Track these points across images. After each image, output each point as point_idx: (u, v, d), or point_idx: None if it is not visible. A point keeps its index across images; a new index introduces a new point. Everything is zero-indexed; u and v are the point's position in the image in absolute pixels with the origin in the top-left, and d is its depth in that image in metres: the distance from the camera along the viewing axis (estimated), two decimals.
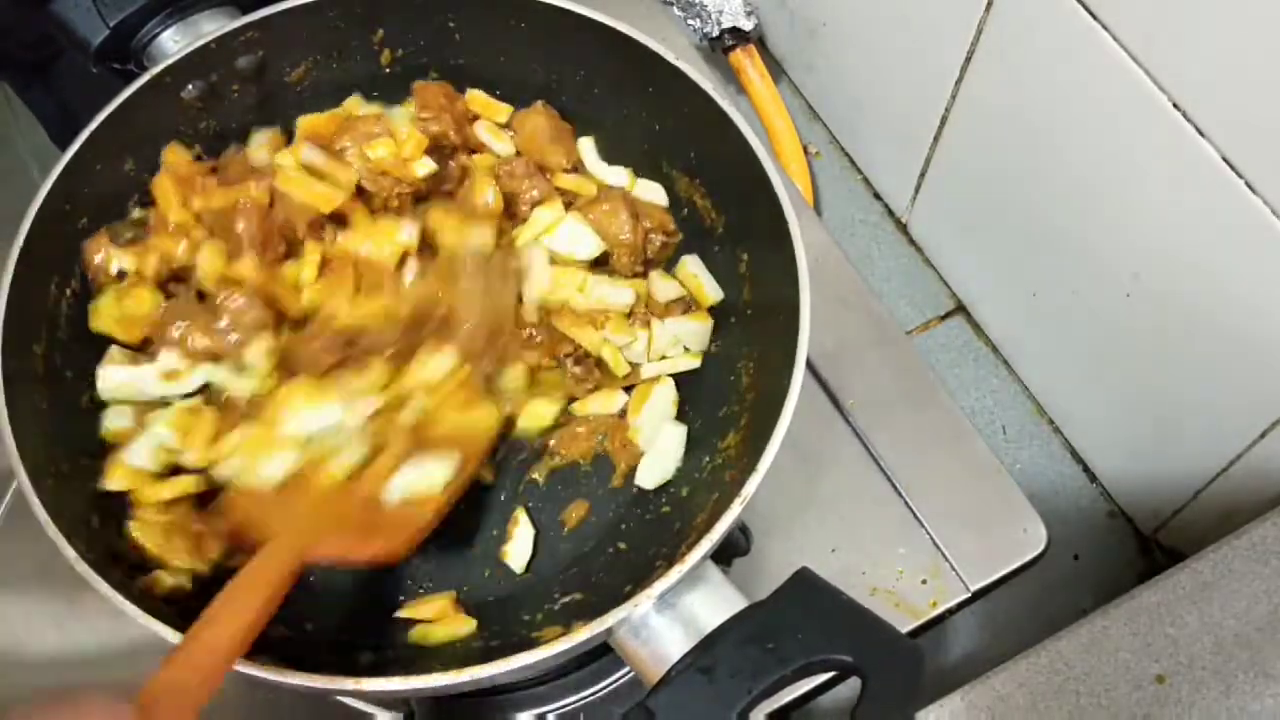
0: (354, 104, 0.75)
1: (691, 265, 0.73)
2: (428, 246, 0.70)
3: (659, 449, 0.70)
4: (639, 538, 0.68)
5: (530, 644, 0.51)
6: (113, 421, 0.65)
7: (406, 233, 0.68)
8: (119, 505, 0.62)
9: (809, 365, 0.62)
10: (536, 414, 0.71)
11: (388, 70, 0.75)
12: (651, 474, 0.69)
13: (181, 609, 0.57)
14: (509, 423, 0.70)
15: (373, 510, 0.60)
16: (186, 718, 0.48)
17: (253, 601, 0.53)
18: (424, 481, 0.61)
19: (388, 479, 0.61)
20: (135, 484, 0.63)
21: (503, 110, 0.76)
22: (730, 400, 0.69)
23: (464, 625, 0.64)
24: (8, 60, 0.95)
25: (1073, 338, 0.91)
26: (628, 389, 0.73)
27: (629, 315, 0.73)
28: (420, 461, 0.62)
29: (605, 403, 0.73)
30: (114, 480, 0.62)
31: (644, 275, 0.74)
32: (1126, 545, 0.95)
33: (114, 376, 0.65)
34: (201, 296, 0.67)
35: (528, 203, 0.73)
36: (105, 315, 0.66)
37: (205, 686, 0.49)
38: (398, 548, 0.60)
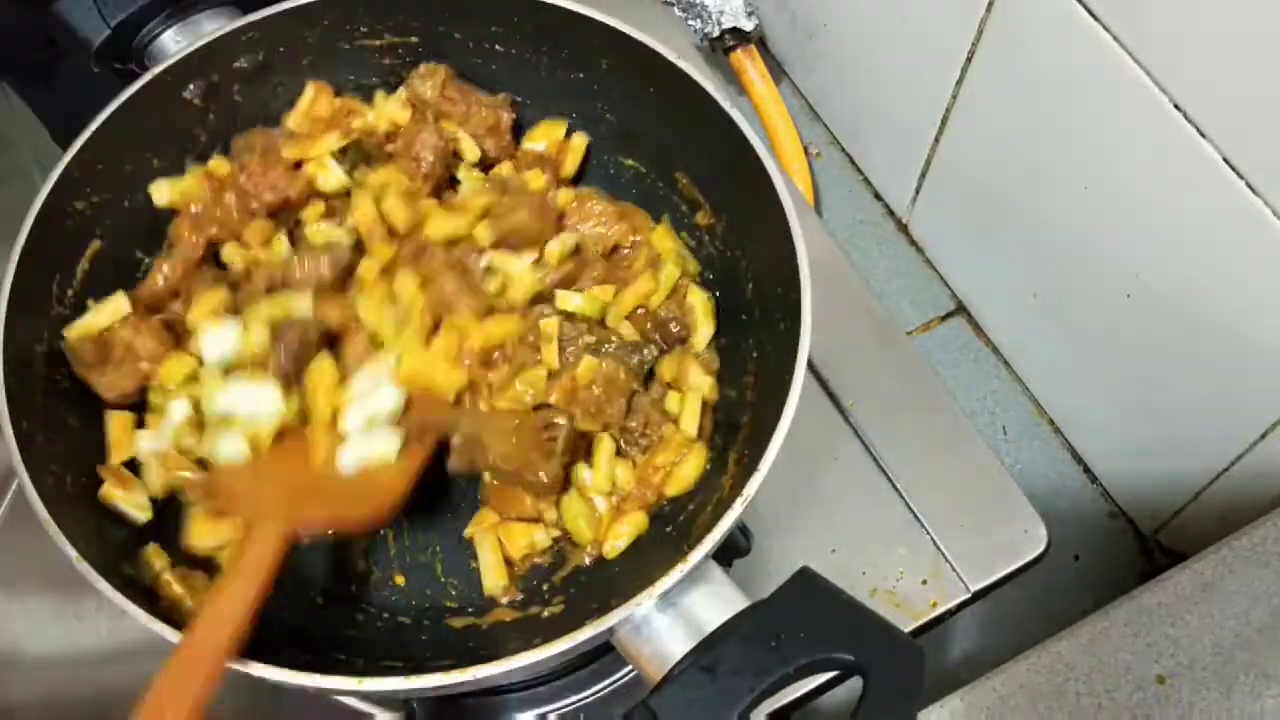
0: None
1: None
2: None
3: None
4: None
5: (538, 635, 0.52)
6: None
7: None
8: None
9: (809, 365, 0.62)
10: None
11: (389, 70, 0.75)
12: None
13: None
14: None
15: (340, 481, 0.61)
16: (193, 716, 0.48)
17: (246, 590, 0.53)
18: (376, 451, 0.62)
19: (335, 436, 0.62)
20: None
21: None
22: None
23: None
24: (10, 61, 0.95)
25: (1073, 338, 0.91)
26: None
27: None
28: (368, 434, 0.62)
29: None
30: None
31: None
32: (1127, 546, 0.95)
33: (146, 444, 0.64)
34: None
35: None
36: None
37: (208, 682, 0.49)
38: (379, 510, 0.61)
